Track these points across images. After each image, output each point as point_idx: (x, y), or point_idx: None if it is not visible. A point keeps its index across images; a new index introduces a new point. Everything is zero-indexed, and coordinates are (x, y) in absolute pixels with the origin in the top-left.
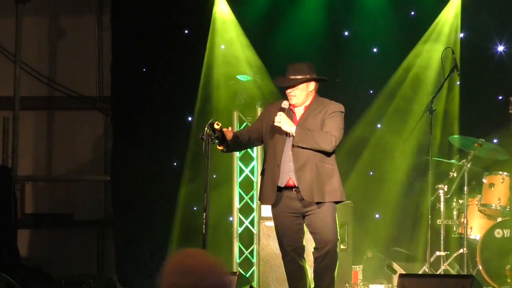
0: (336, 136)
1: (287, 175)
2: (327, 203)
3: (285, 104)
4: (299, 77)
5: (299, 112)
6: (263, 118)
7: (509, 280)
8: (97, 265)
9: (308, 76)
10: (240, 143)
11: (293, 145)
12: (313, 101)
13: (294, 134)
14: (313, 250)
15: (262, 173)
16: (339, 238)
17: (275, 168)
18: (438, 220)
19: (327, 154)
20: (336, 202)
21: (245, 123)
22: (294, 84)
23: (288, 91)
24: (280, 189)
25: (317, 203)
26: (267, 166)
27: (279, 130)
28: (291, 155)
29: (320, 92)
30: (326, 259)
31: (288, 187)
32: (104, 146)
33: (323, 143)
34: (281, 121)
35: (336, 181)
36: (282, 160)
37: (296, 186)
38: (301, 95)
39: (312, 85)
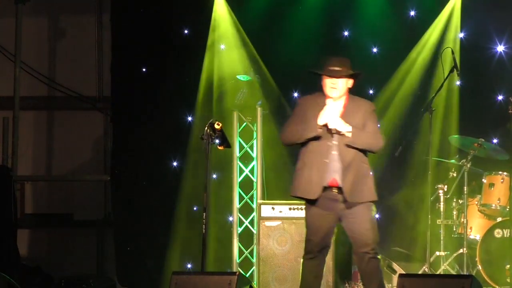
0: (382, 136)
1: (332, 174)
2: (365, 203)
3: (329, 102)
4: (346, 69)
5: (338, 109)
6: (302, 113)
7: (508, 280)
8: (97, 265)
9: (355, 71)
10: None
11: (346, 145)
12: (349, 98)
13: (349, 134)
14: (353, 255)
15: (301, 167)
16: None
17: (323, 164)
18: (438, 220)
19: (366, 154)
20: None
21: (245, 123)
22: (341, 75)
23: (332, 81)
24: (326, 186)
25: (356, 204)
26: (309, 160)
27: (328, 135)
28: (337, 154)
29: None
30: (372, 262)
31: (329, 187)
32: (104, 146)
33: (376, 144)
34: (336, 122)
35: (371, 180)
36: (329, 158)
37: (339, 186)
38: (342, 88)
39: (350, 82)
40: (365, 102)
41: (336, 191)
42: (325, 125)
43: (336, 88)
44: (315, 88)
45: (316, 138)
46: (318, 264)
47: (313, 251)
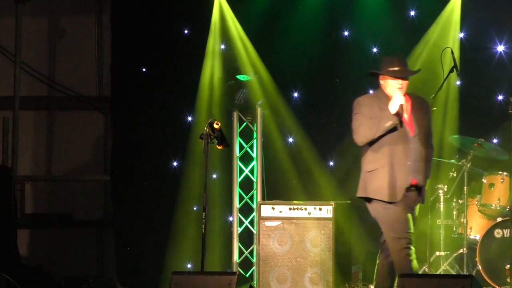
0: None
1: (412, 175)
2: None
3: (397, 93)
4: (408, 68)
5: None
6: (369, 109)
7: (508, 280)
8: (97, 265)
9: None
10: None
11: (418, 144)
12: (408, 95)
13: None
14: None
15: (378, 168)
16: None
17: (405, 165)
18: (438, 220)
19: None
20: None
21: (244, 123)
22: (409, 75)
23: (401, 82)
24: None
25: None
26: (388, 162)
27: (403, 127)
28: (414, 154)
29: (320, 91)
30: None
31: (410, 187)
32: (103, 146)
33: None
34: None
35: None
36: (409, 159)
37: (419, 185)
38: (406, 87)
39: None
40: (423, 99)
41: (415, 190)
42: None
43: (403, 87)
44: (315, 88)
45: (391, 137)
46: (408, 255)
47: (405, 245)
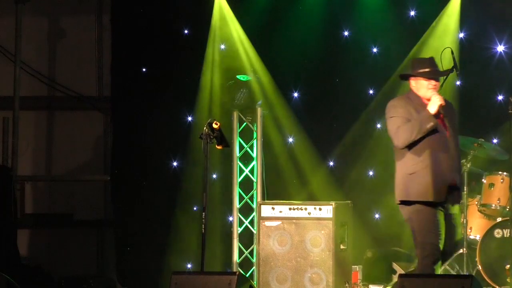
0: None
1: (452, 174)
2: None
3: (434, 93)
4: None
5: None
6: (406, 111)
7: (508, 280)
8: (97, 265)
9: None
10: None
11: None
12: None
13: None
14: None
15: (419, 170)
16: None
17: (446, 165)
18: None
19: None
20: None
21: (244, 123)
22: (443, 76)
23: (434, 83)
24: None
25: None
26: (430, 162)
27: (440, 128)
28: (451, 154)
29: (320, 91)
30: None
31: (450, 186)
32: (103, 146)
33: None
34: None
35: None
36: (450, 158)
37: (458, 185)
38: (438, 87)
39: None
40: (448, 100)
41: (454, 190)
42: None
43: (436, 88)
44: (315, 88)
45: (432, 138)
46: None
47: (437, 253)
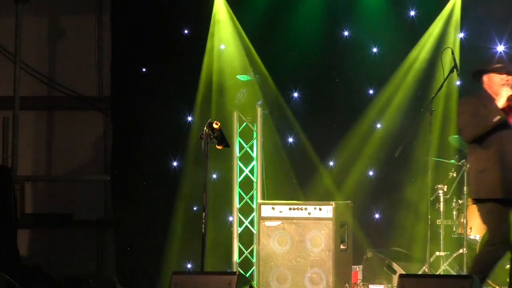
0: None
1: None
2: None
3: (505, 89)
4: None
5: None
6: (474, 107)
7: (508, 280)
8: (97, 265)
9: None
10: None
11: None
12: None
13: None
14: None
15: (491, 167)
16: None
17: None
18: (437, 220)
19: None
20: None
21: (244, 123)
22: None
23: (506, 78)
24: None
25: None
26: (499, 159)
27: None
28: None
29: (320, 91)
30: None
31: None
32: (103, 146)
33: None
34: None
35: None
36: None
37: None
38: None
39: None
40: None
41: None
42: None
43: (509, 83)
44: (315, 88)
45: (500, 133)
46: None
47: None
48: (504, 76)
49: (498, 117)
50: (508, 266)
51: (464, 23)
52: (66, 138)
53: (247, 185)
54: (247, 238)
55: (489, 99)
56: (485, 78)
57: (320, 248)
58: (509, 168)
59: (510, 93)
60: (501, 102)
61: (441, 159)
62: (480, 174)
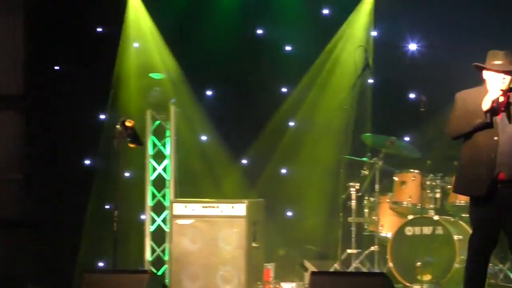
0: None
1: (498, 168)
2: None
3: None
4: None
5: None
6: (464, 105)
7: (419, 277)
8: (7, 265)
9: None
10: None
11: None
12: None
13: None
14: None
15: (465, 163)
16: None
17: (490, 159)
18: (349, 218)
19: None
20: None
21: (158, 122)
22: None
23: (503, 77)
24: (494, 182)
25: None
26: (475, 156)
27: (494, 120)
28: (503, 148)
29: (233, 90)
30: None
31: (499, 181)
32: (19, 145)
33: None
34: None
35: None
36: (499, 151)
37: (508, 180)
38: (509, 82)
39: None
40: None
41: (507, 186)
42: (490, 114)
43: (505, 82)
44: (229, 87)
45: (482, 130)
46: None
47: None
48: (501, 75)
49: (479, 121)
50: (419, 263)
51: (377, 22)
52: None
53: (160, 183)
54: (160, 236)
55: (483, 97)
56: (485, 73)
57: (233, 246)
58: (478, 165)
59: (496, 97)
60: (485, 105)
61: (353, 157)
62: (458, 169)
